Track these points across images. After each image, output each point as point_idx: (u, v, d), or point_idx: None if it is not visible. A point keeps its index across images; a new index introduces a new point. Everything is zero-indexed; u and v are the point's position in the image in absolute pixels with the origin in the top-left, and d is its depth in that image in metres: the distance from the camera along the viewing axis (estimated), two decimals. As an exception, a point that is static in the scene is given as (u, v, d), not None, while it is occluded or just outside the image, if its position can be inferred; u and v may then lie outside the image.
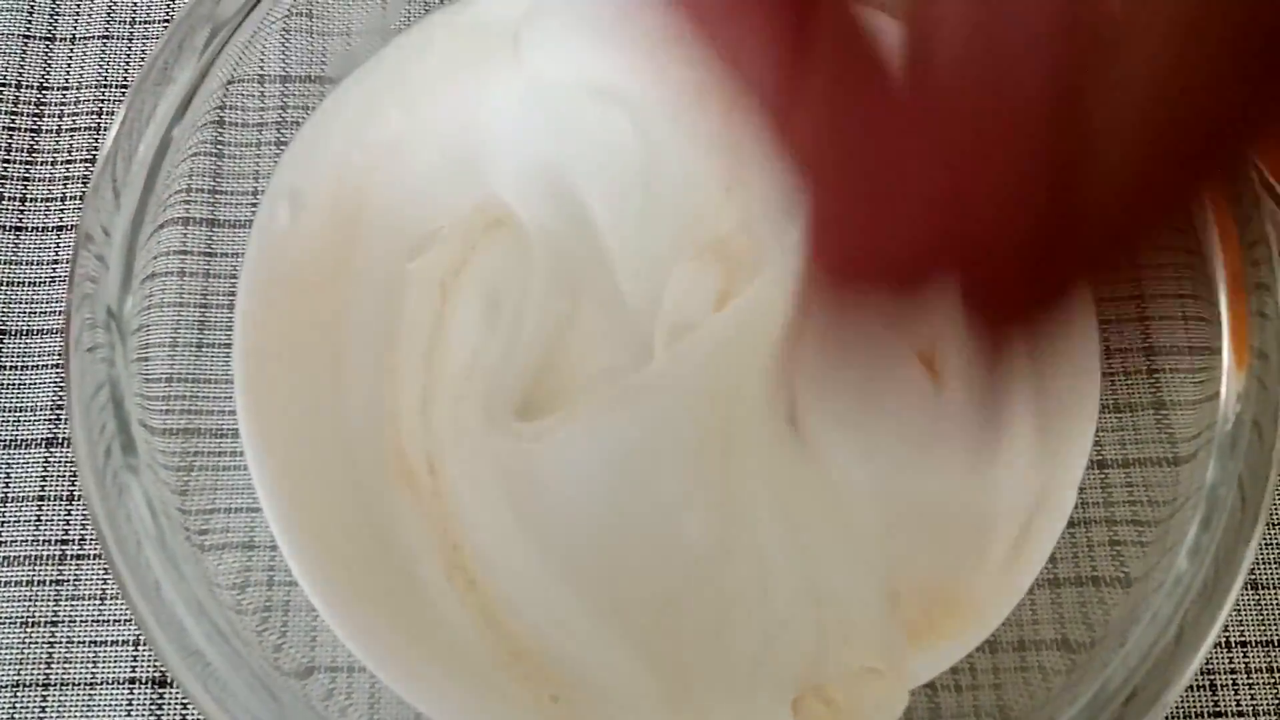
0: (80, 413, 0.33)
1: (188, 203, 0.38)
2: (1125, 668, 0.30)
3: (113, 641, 0.40)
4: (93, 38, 0.47)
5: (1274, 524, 0.40)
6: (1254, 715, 0.39)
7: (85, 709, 0.39)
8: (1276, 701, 0.39)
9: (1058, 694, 0.33)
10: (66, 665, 0.39)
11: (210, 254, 0.38)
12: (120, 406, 0.33)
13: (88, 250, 0.33)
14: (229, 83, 0.37)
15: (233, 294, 0.39)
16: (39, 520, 0.41)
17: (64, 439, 0.42)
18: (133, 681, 0.39)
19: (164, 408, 0.35)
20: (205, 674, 0.32)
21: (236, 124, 0.39)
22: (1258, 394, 0.31)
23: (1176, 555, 0.31)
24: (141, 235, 0.34)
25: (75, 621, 0.40)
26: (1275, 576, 0.40)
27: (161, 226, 0.35)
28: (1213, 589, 0.30)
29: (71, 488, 0.41)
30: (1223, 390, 0.32)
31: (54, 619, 0.40)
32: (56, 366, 0.43)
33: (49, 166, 0.45)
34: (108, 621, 0.40)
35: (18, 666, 0.39)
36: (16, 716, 0.39)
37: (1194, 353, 0.36)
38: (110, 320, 0.33)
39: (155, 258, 0.35)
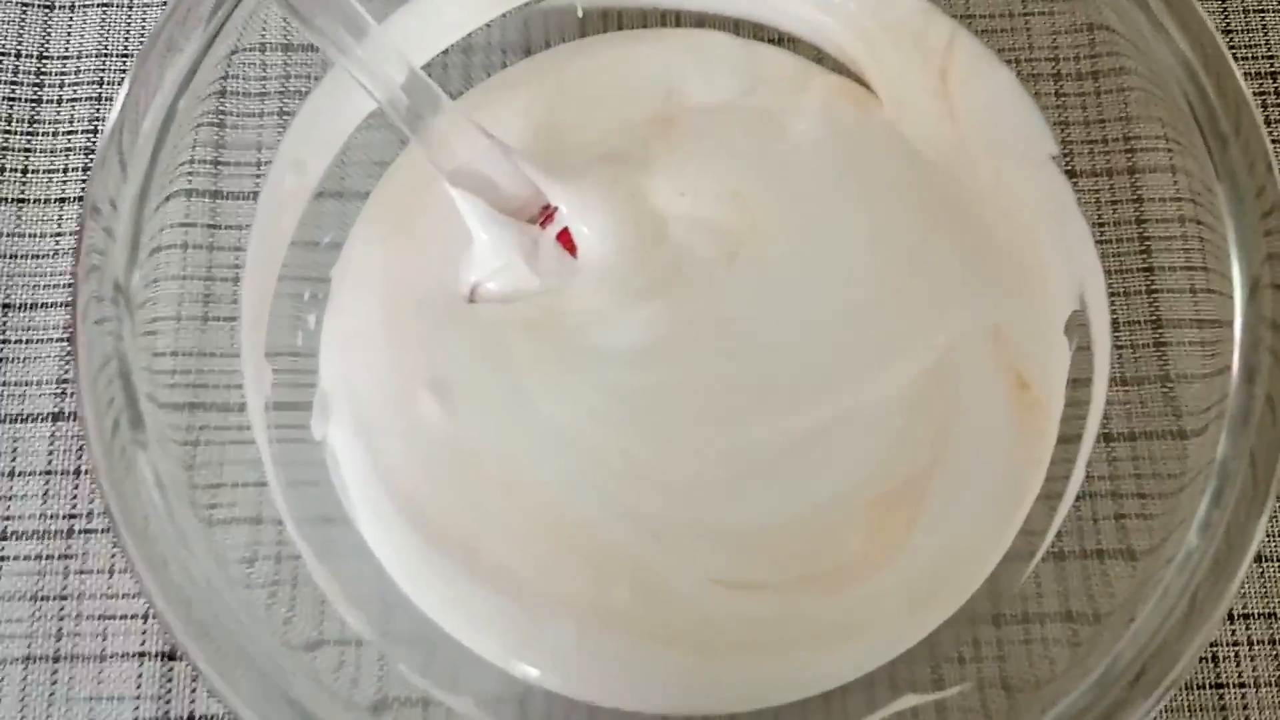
0: (88, 386, 0.32)
1: (191, 174, 0.37)
2: (1134, 645, 0.30)
3: (122, 615, 0.40)
4: (92, 5, 0.46)
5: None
6: (1255, 687, 0.39)
7: (95, 682, 0.39)
8: (1278, 673, 0.39)
9: (1065, 670, 0.33)
10: (76, 639, 0.40)
11: (215, 226, 0.38)
12: (128, 380, 0.33)
13: (95, 222, 0.33)
14: (233, 52, 0.36)
15: (237, 266, 0.38)
16: (46, 495, 0.41)
17: (70, 414, 0.42)
18: (142, 655, 0.39)
19: (170, 381, 0.35)
20: (212, 649, 0.32)
21: (239, 94, 0.39)
22: (1270, 367, 0.31)
23: (1187, 530, 0.31)
24: (148, 208, 0.34)
25: (84, 596, 0.40)
26: (1278, 549, 0.40)
27: (167, 199, 0.35)
28: (1223, 564, 0.30)
29: (79, 462, 0.41)
30: (1234, 363, 0.32)
31: (63, 593, 0.40)
32: (62, 340, 0.42)
33: (50, 138, 0.45)
34: (117, 596, 0.40)
35: (28, 640, 0.39)
36: (27, 690, 0.39)
37: (1203, 325, 0.35)
38: (118, 294, 0.33)
39: (161, 230, 0.35)
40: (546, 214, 0.39)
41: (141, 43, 0.46)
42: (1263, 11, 0.46)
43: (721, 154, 0.41)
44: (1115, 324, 0.38)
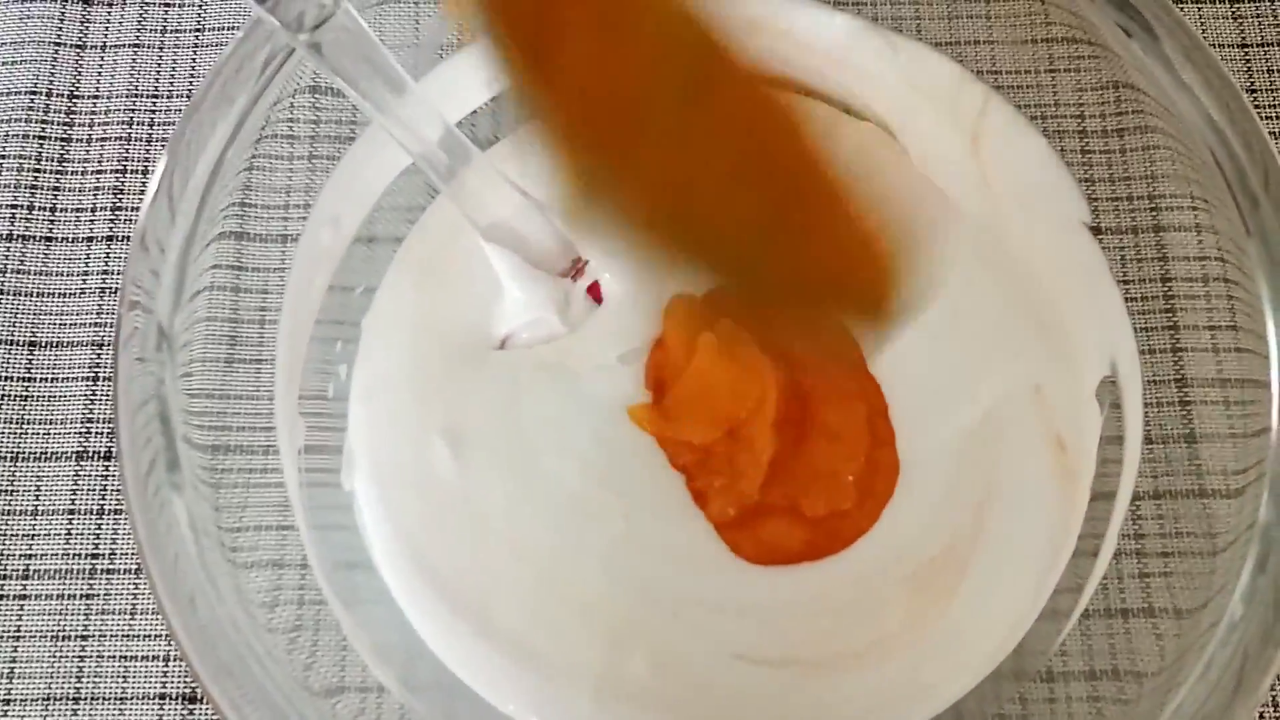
0: (127, 423, 0.33)
1: (228, 219, 0.38)
2: (1181, 716, 0.29)
3: (143, 656, 0.40)
4: (124, 46, 0.47)
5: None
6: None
7: (115, 724, 0.39)
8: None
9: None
10: (97, 680, 0.39)
11: (242, 268, 0.38)
12: (167, 422, 0.33)
13: (142, 260, 0.33)
14: (276, 102, 0.36)
15: (264, 309, 0.39)
16: (69, 534, 0.41)
17: (94, 453, 0.42)
18: (163, 697, 0.39)
19: (206, 424, 0.35)
20: (235, 690, 0.32)
21: (271, 137, 0.39)
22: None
23: (1229, 597, 0.30)
24: (193, 252, 0.34)
25: (105, 636, 0.40)
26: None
27: (208, 244, 0.35)
28: (1270, 632, 0.29)
29: (102, 502, 0.41)
30: (1273, 424, 0.32)
31: (84, 633, 0.40)
32: (88, 379, 0.42)
33: (79, 176, 0.45)
34: (138, 636, 0.40)
35: (48, 680, 0.39)
36: (47, 731, 0.39)
37: (1237, 385, 0.35)
38: (161, 338, 0.33)
39: (202, 273, 0.35)
40: (577, 267, 0.40)
41: (171, 84, 0.46)
42: (1286, 72, 0.46)
43: None
44: (1144, 385, 0.38)
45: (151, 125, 0.46)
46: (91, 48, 0.47)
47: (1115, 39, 0.37)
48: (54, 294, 0.44)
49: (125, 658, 0.40)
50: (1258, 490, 0.31)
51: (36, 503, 0.41)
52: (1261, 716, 0.38)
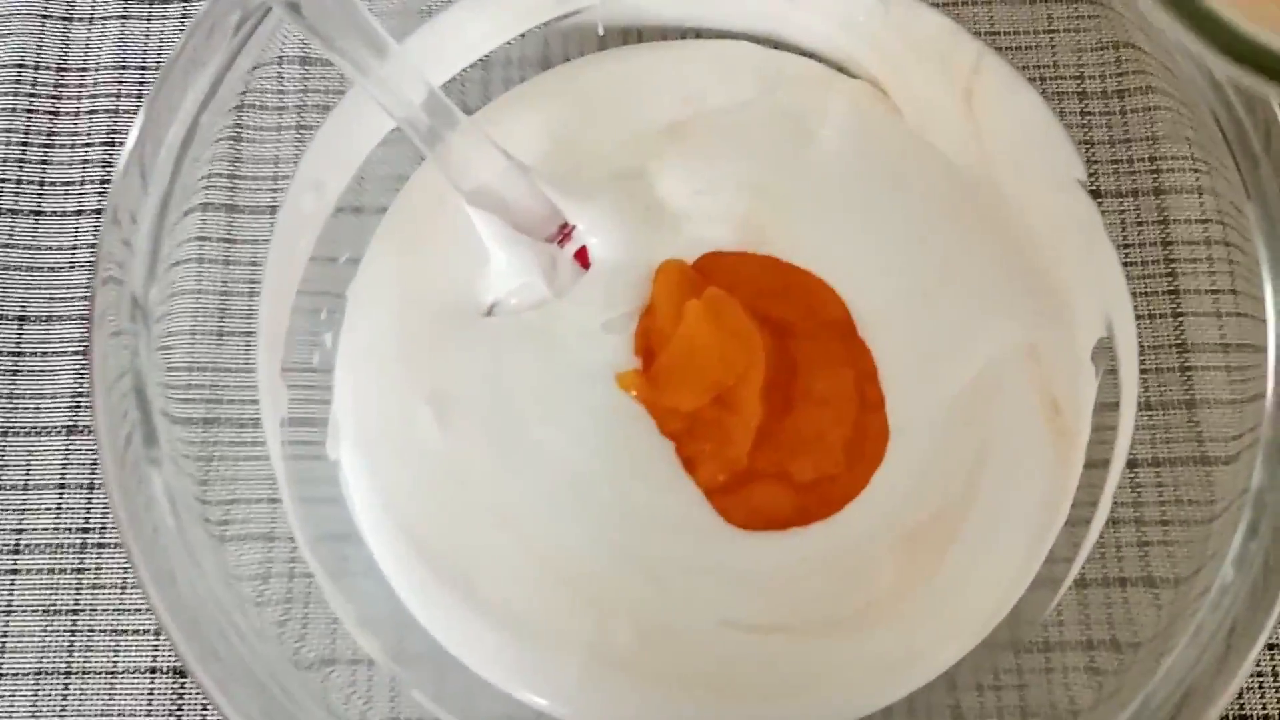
0: (102, 398, 0.32)
1: (209, 189, 0.37)
2: (1169, 681, 0.29)
3: (134, 631, 0.40)
4: (111, 18, 0.46)
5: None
6: (1281, 718, 0.38)
7: (107, 697, 0.39)
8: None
9: (1093, 705, 0.32)
10: (88, 654, 0.39)
11: (230, 240, 0.38)
12: (143, 395, 0.33)
13: (114, 233, 0.33)
14: (254, 67, 0.36)
15: (253, 281, 0.38)
16: (60, 508, 0.41)
17: (84, 427, 0.42)
18: (154, 671, 0.39)
19: (184, 396, 0.35)
20: (218, 667, 0.31)
21: (256, 107, 0.39)
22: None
23: (1221, 563, 0.30)
24: (167, 222, 0.34)
25: (96, 610, 0.40)
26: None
27: (186, 213, 0.35)
28: (1260, 598, 0.29)
29: (93, 476, 0.41)
30: (1268, 389, 0.31)
31: (75, 607, 0.40)
32: (77, 353, 0.42)
33: (67, 150, 0.45)
34: (129, 611, 0.40)
35: (39, 654, 0.39)
36: (39, 704, 0.39)
37: (1233, 350, 0.35)
38: (135, 309, 0.33)
39: (180, 245, 0.35)
40: (564, 232, 0.39)
41: (160, 56, 0.46)
42: (1290, 30, 0.45)
43: (741, 150, 0.41)
44: (1142, 349, 0.37)
45: (139, 98, 0.45)
46: (78, 19, 0.46)
47: (1117, -2, 0.36)
48: (43, 268, 0.43)
49: (116, 632, 0.40)
50: (1251, 456, 0.31)
51: (27, 477, 0.41)
52: (1261, 686, 0.38)
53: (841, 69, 0.42)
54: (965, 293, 0.39)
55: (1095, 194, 0.40)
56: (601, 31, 0.43)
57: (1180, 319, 0.38)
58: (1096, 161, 0.40)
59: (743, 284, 0.38)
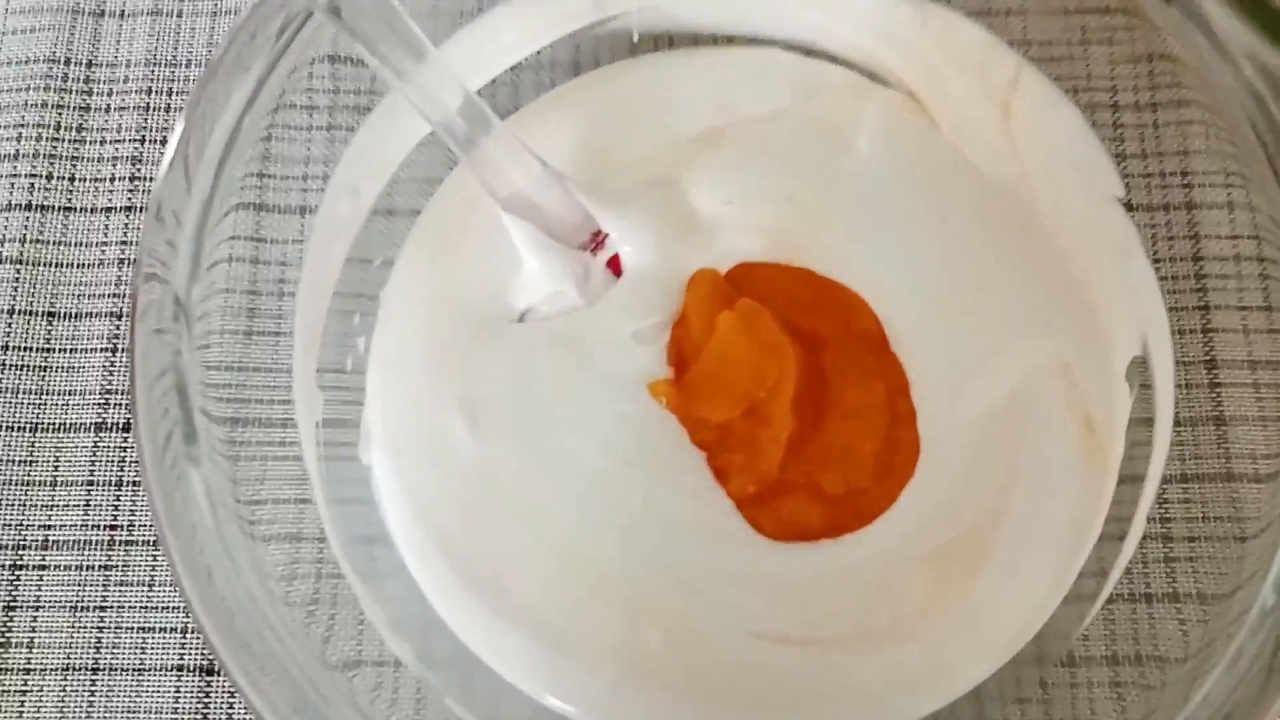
0: (144, 395, 0.32)
1: (243, 188, 0.37)
2: (1209, 705, 0.29)
3: (161, 628, 0.40)
4: (142, 14, 0.46)
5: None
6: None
7: (133, 694, 0.39)
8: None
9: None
10: (115, 650, 0.39)
11: (261, 240, 0.38)
12: (184, 395, 0.33)
13: (157, 231, 0.33)
14: (293, 70, 0.36)
15: (283, 281, 0.38)
16: (88, 505, 0.41)
17: (113, 424, 0.42)
18: (180, 669, 0.39)
19: (223, 396, 0.35)
20: (251, 663, 0.31)
21: (289, 107, 0.39)
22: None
23: (1261, 584, 0.30)
24: (210, 223, 0.34)
25: (124, 607, 0.40)
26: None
27: (226, 214, 0.35)
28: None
29: (121, 473, 0.41)
30: None
31: (103, 604, 0.40)
32: (107, 350, 0.42)
33: (98, 146, 0.45)
34: (156, 608, 0.40)
35: (67, 650, 0.39)
36: (66, 700, 0.39)
37: (1264, 367, 0.35)
38: (178, 309, 0.33)
39: (220, 244, 0.35)
40: (597, 240, 0.39)
41: (191, 52, 0.46)
42: (1324, 45, 0.45)
43: (774, 159, 0.41)
44: (1178, 365, 0.37)
45: (170, 94, 0.45)
46: (110, 15, 0.46)
47: (1153, 6, 0.36)
48: (73, 264, 0.43)
49: (143, 629, 0.40)
50: None
51: (55, 474, 0.41)
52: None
53: (876, 79, 0.42)
54: (1000, 308, 0.39)
55: (1128, 207, 0.40)
56: (636, 39, 0.43)
57: (1210, 335, 0.38)
58: (1129, 175, 0.40)
59: (775, 295, 0.38)
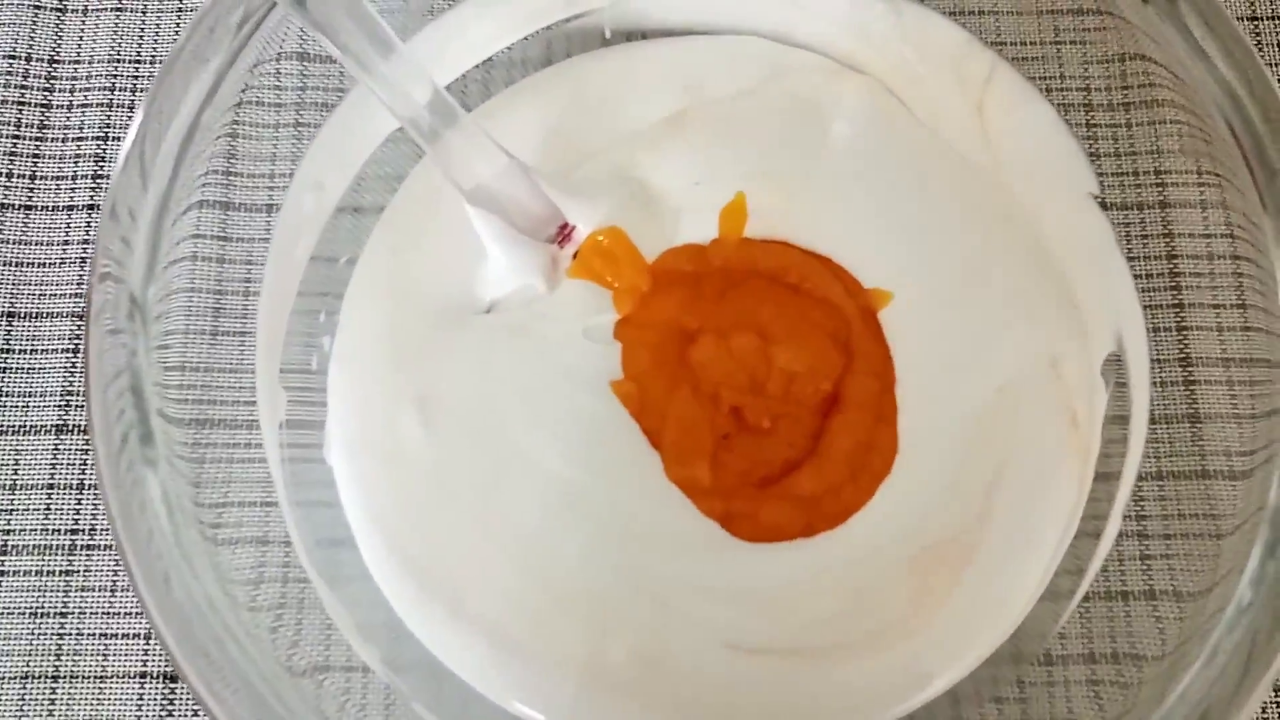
0: (98, 397, 0.32)
1: (205, 186, 0.37)
2: (1186, 702, 0.29)
3: (124, 635, 0.39)
4: (106, 10, 0.46)
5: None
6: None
7: (95, 702, 0.38)
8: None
9: (1109, 721, 0.32)
10: (76, 658, 0.39)
11: (226, 239, 0.37)
12: (139, 395, 0.32)
13: (112, 230, 0.32)
14: (254, 65, 0.35)
15: (248, 280, 0.38)
16: (49, 509, 0.40)
17: (74, 426, 0.41)
18: (144, 676, 0.39)
19: (182, 397, 0.34)
20: (211, 671, 0.31)
21: (254, 104, 0.38)
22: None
23: (1237, 582, 0.30)
24: (167, 221, 0.33)
25: (85, 613, 0.39)
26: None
27: (185, 211, 0.34)
28: (1278, 621, 0.28)
29: (82, 476, 0.40)
30: None
31: (63, 610, 0.39)
32: (67, 352, 0.42)
33: (59, 144, 0.44)
34: (119, 614, 0.39)
35: (26, 658, 0.38)
36: (26, 709, 0.38)
37: (1248, 365, 0.35)
38: (134, 308, 0.32)
39: (179, 243, 0.34)
40: (564, 233, 0.39)
41: (155, 49, 0.45)
42: (1296, 45, 0.45)
43: (744, 136, 0.40)
44: (1153, 363, 0.37)
45: (134, 91, 0.45)
46: (73, 10, 0.46)
47: (1129, 5, 0.36)
48: (33, 263, 0.43)
49: (105, 635, 0.39)
50: (1267, 473, 0.30)
51: (15, 477, 0.40)
52: (1264, 709, 0.38)
53: (850, 68, 0.42)
54: (989, 293, 0.38)
55: (1102, 206, 0.39)
56: (608, 35, 0.43)
57: (1185, 333, 0.38)
58: (1102, 174, 0.40)
59: (758, 276, 0.38)
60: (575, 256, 0.39)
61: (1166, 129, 0.40)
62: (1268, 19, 0.45)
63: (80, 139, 0.44)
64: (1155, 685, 0.30)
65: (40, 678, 0.38)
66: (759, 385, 0.37)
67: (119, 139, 0.44)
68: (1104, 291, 0.38)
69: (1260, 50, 0.45)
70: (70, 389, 0.41)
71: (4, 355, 0.41)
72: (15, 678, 0.38)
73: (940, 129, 0.40)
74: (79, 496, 0.40)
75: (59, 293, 0.42)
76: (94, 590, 0.39)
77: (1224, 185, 0.35)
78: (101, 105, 0.44)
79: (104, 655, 0.39)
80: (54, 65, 0.45)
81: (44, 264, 0.42)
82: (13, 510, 0.40)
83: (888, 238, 0.39)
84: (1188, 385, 0.38)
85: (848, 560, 0.36)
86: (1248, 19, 0.45)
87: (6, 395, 0.41)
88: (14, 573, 0.39)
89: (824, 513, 0.36)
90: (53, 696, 0.38)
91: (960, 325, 0.38)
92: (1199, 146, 0.36)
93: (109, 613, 0.39)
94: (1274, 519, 0.30)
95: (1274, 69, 0.45)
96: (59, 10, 0.46)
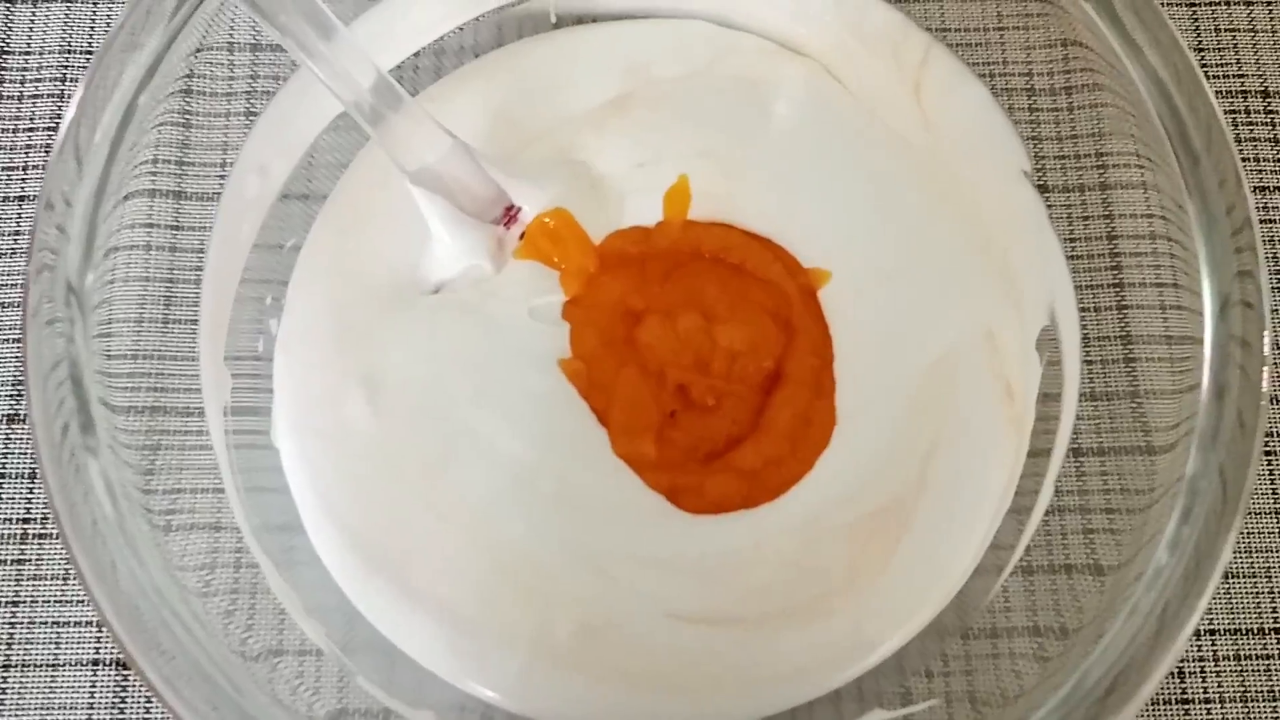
0: (37, 388, 0.32)
1: (154, 174, 0.37)
2: (1104, 661, 0.30)
3: (76, 623, 0.39)
4: (56, 0, 0.46)
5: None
6: (1220, 702, 0.39)
7: (47, 690, 0.38)
8: (1242, 689, 0.39)
9: (1034, 687, 0.33)
10: (28, 647, 0.39)
11: (177, 227, 0.37)
12: (79, 384, 0.32)
13: (48, 219, 0.32)
14: (197, 50, 0.35)
15: (200, 269, 0.38)
16: (0, 498, 0.40)
17: (25, 415, 0.41)
18: (96, 664, 0.39)
19: (127, 385, 0.34)
20: (162, 659, 0.31)
21: (205, 93, 0.38)
22: (1240, 385, 0.31)
23: (1156, 547, 0.31)
24: (104, 206, 0.33)
25: (37, 602, 0.39)
26: (1244, 566, 0.40)
27: (126, 198, 0.34)
28: (1193, 581, 0.30)
29: (34, 465, 0.40)
30: (1204, 380, 0.32)
31: (15, 599, 0.39)
32: (17, 341, 0.41)
33: (9, 135, 0.44)
34: (70, 602, 0.39)
35: (-24, 647, 0.39)
36: (-24, 698, 0.38)
37: (1173, 342, 0.35)
38: (70, 295, 0.32)
39: (119, 230, 0.34)
40: (510, 215, 0.39)
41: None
42: (1234, 30, 0.46)
43: (687, 118, 0.40)
44: (1085, 339, 0.38)
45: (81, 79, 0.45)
46: (22, 1, 0.46)
47: (1066, -2, 0.37)
48: (-18, 254, 0.42)
49: (57, 624, 0.39)
50: (1187, 444, 0.31)
51: (-35, 467, 0.40)
52: (1203, 670, 0.39)
53: (792, 50, 0.42)
54: (928, 268, 0.39)
55: (1043, 189, 0.40)
56: (554, 20, 0.43)
57: (1125, 312, 0.39)
58: (1044, 157, 0.41)
59: (693, 265, 0.38)
60: (522, 238, 0.39)
61: (1107, 112, 0.40)
62: (1205, 4, 0.46)
63: (31, 129, 0.44)
64: (1079, 649, 0.31)
65: (-8, 667, 0.38)
66: (704, 364, 0.38)
67: (70, 129, 0.44)
68: (1037, 265, 0.39)
69: (1199, 35, 0.46)
70: (20, 379, 0.41)
71: (-47, 346, 0.41)
72: (-34, 667, 0.38)
73: (879, 110, 0.41)
74: (31, 485, 0.40)
75: (8, 283, 0.42)
76: (46, 579, 0.39)
77: (1155, 169, 0.35)
78: (53, 96, 0.44)
79: (56, 644, 0.39)
80: (3, 56, 0.45)
81: (-7, 254, 0.42)
82: (-37, 500, 0.40)
83: (827, 217, 0.39)
84: (1126, 362, 0.38)
85: (788, 529, 0.36)
86: (1185, 4, 0.46)
87: (-44, 386, 0.41)
88: (-35, 563, 0.39)
89: (765, 485, 0.36)
90: (3, 685, 0.38)
91: (898, 301, 0.38)
92: (1134, 130, 0.37)
93: (61, 601, 0.39)
94: (1190, 486, 0.31)
95: (1214, 53, 0.46)
96: (8, 1, 0.45)
